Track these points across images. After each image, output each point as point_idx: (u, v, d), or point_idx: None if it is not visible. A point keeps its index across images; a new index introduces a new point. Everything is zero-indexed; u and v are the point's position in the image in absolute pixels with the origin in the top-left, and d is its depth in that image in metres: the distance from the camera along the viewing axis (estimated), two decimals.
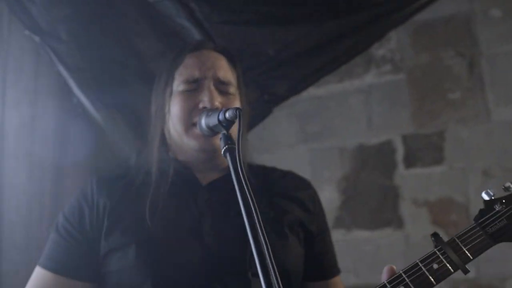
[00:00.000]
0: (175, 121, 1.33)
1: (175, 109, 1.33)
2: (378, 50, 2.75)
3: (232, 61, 1.44)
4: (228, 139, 1.04)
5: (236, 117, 1.06)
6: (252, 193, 0.91)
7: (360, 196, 2.68)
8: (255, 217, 0.89)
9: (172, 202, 1.29)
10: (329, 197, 2.63)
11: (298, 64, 1.91)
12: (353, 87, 2.78)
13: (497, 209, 1.05)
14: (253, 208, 0.89)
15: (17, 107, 1.85)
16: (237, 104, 1.37)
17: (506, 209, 1.04)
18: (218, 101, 1.30)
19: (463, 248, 1.01)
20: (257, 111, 1.89)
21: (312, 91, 2.80)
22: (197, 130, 1.27)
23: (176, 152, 1.37)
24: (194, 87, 1.33)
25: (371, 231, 2.63)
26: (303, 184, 1.47)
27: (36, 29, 1.82)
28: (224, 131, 1.09)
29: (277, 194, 1.38)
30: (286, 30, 1.92)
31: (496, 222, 1.03)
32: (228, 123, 1.10)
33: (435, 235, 1.05)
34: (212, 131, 1.20)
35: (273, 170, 1.50)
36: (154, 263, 1.18)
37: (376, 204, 2.64)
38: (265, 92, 1.89)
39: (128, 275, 1.19)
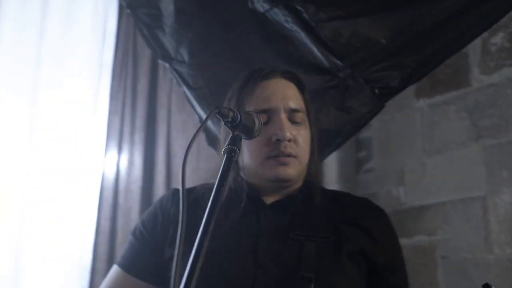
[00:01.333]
0: (251, 153, 1.34)
1: (249, 143, 1.31)
2: None
3: (300, 86, 1.42)
4: (234, 141, 1.04)
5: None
6: (185, 205, 0.88)
7: None
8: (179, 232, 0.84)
9: (235, 219, 1.31)
10: (510, 202, 2.20)
11: (412, 50, 1.70)
12: None
13: None
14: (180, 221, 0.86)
15: None
16: (305, 131, 1.36)
17: None
18: (290, 132, 1.30)
19: None
20: (367, 107, 1.75)
21: (483, 78, 2.42)
22: (272, 162, 1.30)
23: (248, 176, 1.39)
24: (265, 119, 1.31)
25: None
26: (374, 213, 1.41)
27: (166, 56, 2.06)
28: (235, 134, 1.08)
29: (343, 221, 1.32)
30: (399, 14, 1.74)
31: None
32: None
33: None
34: None
35: (346, 196, 1.46)
36: (206, 275, 1.20)
37: None
38: (375, 86, 1.73)
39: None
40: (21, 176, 2.01)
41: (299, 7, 1.86)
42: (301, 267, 1.18)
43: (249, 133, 1.13)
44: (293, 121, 1.33)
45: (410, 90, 2.63)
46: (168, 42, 2.05)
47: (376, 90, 1.73)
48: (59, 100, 2.17)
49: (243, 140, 1.24)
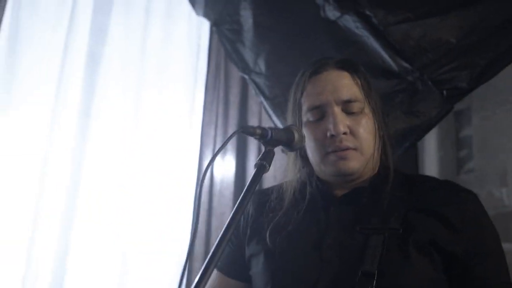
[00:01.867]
0: (311, 151, 1.33)
1: (308, 140, 1.32)
2: None
3: (357, 73, 1.34)
4: (265, 156, 1.08)
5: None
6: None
7: None
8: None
9: (305, 215, 1.33)
10: None
11: (482, 48, 1.63)
12: None
13: None
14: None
15: None
16: (366, 120, 1.29)
17: None
18: (344, 125, 1.26)
19: None
20: (436, 110, 1.71)
21: None
22: (331, 157, 1.28)
23: (317, 171, 1.38)
24: (319, 115, 1.30)
25: None
26: (456, 198, 1.25)
27: (246, 69, 2.19)
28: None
29: (415, 208, 1.23)
30: (468, 13, 1.69)
31: None
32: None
33: None
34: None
35: (426, 180, 1.35)
36: (274, 272, 1.26)
37: None
38: (444, 88, 1.69)
39: (258, 280, 1.31)
40: (126, 180, 2.27)
41: (368, 12, 1.89)
42: (364, 261, 1.14)
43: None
44: (349, 112, 1.28)
45: (509, 82, 2.46)
46: (248, 55, 2.18)
47: (445, 92, 1.69)
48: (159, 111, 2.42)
49: (306, 136, 1.28)
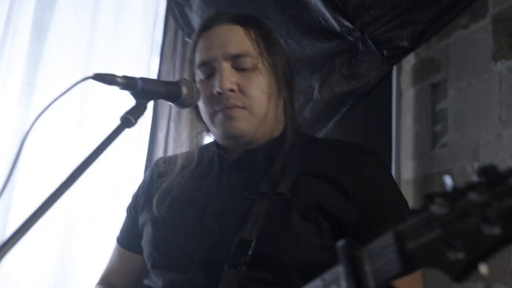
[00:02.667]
0: (202, 111, 1.24)
1: (200, 100, 1.22)
2: None
3: (251, 26, 1.22)
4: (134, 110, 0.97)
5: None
6: None
7: None
8: None
9: (197, 181, 1.24)
10: None
11: (425, 5, 1.49)
12: None
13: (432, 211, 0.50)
14: None
15: None
16: (258, 77, 1.18)
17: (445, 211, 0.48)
18: (231, 81, 1.16)
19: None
20: (376, 71, 1.57)
21: None
22: (218, 117, 1.18)
23: (212, 134, 1.30)
24: (209, 72, 1.20)
25: None
26: (352, 160, 1.14)
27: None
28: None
29: (308, 172, 1.12)
30: None
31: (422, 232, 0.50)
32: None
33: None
34: None
35: (325, 142, 1.27)
36: (157, 241, 1.19)
37: None
38: (384, 48, 1.55)
39: (145, 251, 1.22)
40: (70, 155, 2.18)
41: None
42: (243, 228, 1.06)
43: (176, 101, 1.06)
44: (239, 68, 1.18)
45: (487, 52, 2.30)
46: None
47: (385, 52, 1.55)
48: None
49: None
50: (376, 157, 1.16)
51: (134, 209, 1.34)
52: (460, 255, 0.40)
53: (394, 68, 2.53)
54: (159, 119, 2.37)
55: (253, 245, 1.02)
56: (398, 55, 1.53)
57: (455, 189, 0.43)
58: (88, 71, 2.28)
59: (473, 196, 0.40)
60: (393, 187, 1.15)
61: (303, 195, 1.09)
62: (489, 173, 0.40)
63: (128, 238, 1.35)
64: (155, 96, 1.03)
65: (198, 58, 1.23)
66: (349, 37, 1.63)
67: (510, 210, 0.38)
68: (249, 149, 1.20)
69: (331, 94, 1.60)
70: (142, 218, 1.27)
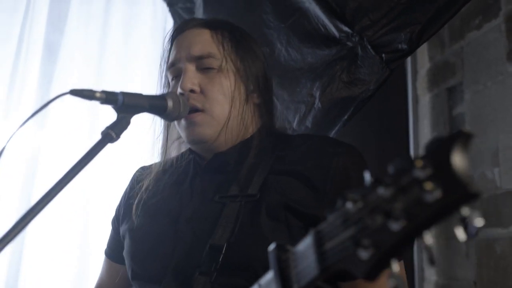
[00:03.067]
0: None
1: None
2: None
3: (219, 29, 1.22)
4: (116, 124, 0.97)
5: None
6: None
7: None
8: None
9: (172, 188, 1.23)
10: None
11: (422, 4, 1.45)
12: None
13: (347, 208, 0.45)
14: None
15: None
16: (221, 79, 1.16)
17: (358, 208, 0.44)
18: (192, 82, 1.14)
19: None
20: (375, 76, 1.54)
21: None
22: (182, 122, 1.17)
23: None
24: (176, 73, 1.20)
25: None
26: (320, 153, 1.11)
27: None
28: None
29: (277, 170, 1.10)
30: None
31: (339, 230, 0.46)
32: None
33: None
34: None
35: (298, 138, 1.23)
36: (134, 252, 1.19)
37: None
38: (383, 51, 1.52)
39: (126, 261, 1.23)
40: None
41: None
42: (214, 234, 1.03)
43: (162, 115, 1.07)
44: (203, 70, 1.17)
45: (501, 52, 2.22)
46: None
47: (384, 56, 1.51)
48: None
49: None
50: (347, 148, 1.11)
51: (117, 221, 1.34)
52: (369, 253, 0.38)
53: (409, 73, 2.48)
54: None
55: (223, 250, 1.00)
56: (396, 59, 1.49)
57: (370, 184, 0.40)
58: (99, 88, 2.31)
59: (381, 190, 0.38)
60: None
61: (272, 195, 1.06)
62: (396, 164, 0.37)
63: (114, 250, 1.35)
64: (138, 110, 1.02)
65: (168, 60, 1.24)
66: (348, 43, 1.60)
67: (415, 203, 0.35)
68: (218, 152, 1.19)
69: (332, 102, 1.57)
70: (122, 229, 1.28)
